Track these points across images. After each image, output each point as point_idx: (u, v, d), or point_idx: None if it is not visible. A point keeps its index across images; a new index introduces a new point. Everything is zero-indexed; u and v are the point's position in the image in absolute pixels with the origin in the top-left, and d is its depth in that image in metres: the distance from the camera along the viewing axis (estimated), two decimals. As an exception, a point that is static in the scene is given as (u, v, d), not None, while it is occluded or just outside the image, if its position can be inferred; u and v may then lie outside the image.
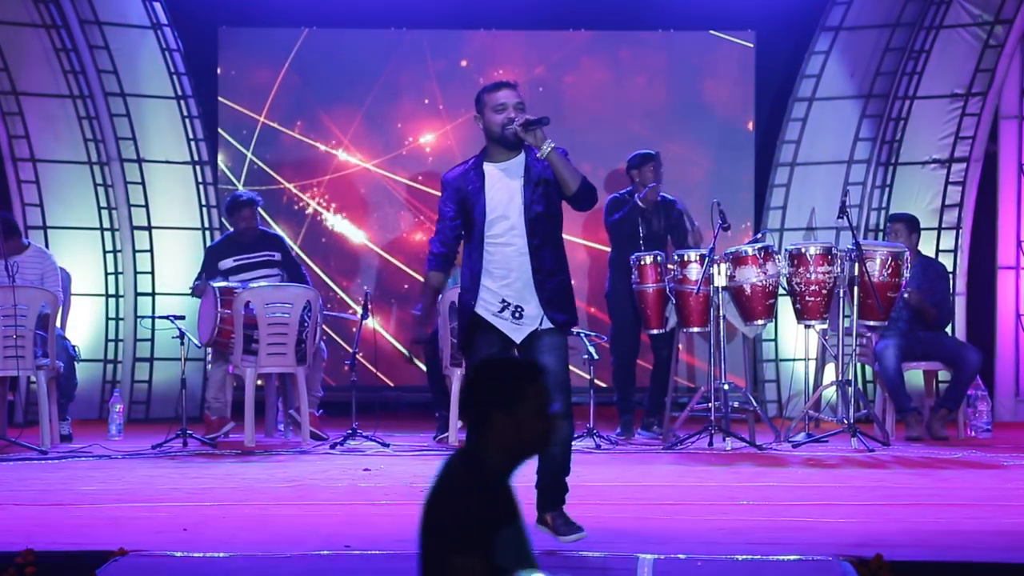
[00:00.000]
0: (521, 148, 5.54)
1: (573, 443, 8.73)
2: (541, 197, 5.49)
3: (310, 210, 11.64)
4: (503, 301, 5.47)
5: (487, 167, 5.56)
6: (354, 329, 9.66)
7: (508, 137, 5.49)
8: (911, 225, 9.80)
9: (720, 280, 8.89)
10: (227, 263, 9.68)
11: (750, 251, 8.96)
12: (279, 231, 10.70)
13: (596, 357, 9.24)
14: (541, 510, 5.51)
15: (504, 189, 5.51)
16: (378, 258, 11.67)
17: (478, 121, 5.60)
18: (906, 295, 9.42)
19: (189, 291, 9.66)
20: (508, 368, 3.59)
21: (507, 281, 5.48)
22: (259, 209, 9.88)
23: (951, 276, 10.49)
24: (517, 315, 5.48)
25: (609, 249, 9.91)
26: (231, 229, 9.93)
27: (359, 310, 9.55)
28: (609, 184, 11.11)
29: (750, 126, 11.65)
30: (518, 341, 5.50)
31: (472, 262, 5.54)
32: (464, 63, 11.74)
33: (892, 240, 9.65)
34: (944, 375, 10.12)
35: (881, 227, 11.25)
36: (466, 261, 5.59)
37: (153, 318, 10.21)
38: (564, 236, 5.69)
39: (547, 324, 5.49)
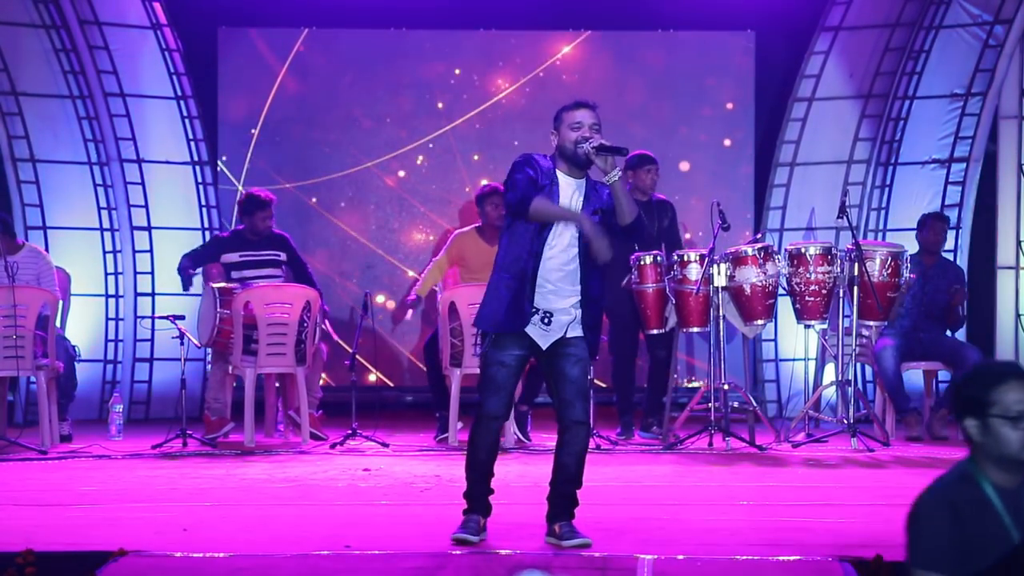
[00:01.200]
0: (586, 172, 5.55)
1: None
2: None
3: (309, 210, 11.64)
4: (534, 307, 5.48)
5: (559, 174, 5.56)
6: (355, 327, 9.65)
7: (580, 156, 5.49)
8: (948, 225, 9.92)
9: (720, 280, 8.89)
10: (232, 257, 9.68)
11: (750, 251, 8.96)
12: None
13: (595, 357, 9.23)
14: (550, 520, 5.51)
15: (567, 203, 5.52)
16: (378, 259, 11.67)
17: (553, 137, 5.59)
18: (953, 290, 9.56)
19: (177, 271, 9.63)
20: (976, 372, 3.47)
21: (542, 291, 5.48)
22: None
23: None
24: (546, 321, 5.49)
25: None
26: (241, 226, 9.91)
27: (358, 309, 9.55)
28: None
29: (749, 126, 11.67)
30: (544, 347, 5.51)
31: (523, 258, 5.47)
32: (464, 63, 11.74)
33: (933, 239, 9.76)
34: (944, 375, 10.13)
35: (881, 227, 11.26)
36: (516, 253, 5.50)
37: (153, 318, 10.21)
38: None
39: (573, 332, 5.50)
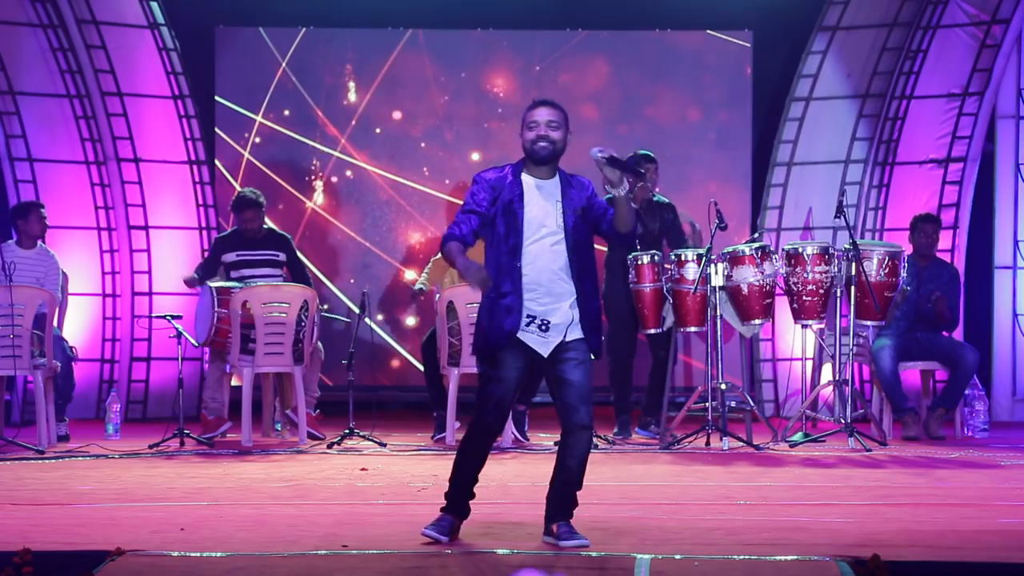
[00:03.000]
0: (556, 171, 5.54)
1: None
2: (582, 225, 5.50)
3: (307, 210, 11.64)
4: (529, 315, 5.46)
5: (525, 178, 5.54)
6: (348, 326, 9.65)
7: (535, 153, 5.48)
8: (940, 227, 9.95)
9: (717, 280, 8.90)
10: (230, 256, 9.69)
11: (747, 251, 8.96)
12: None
13: (594, 357, 9.22)
14: (549, 520, 5.51)
15: (540, 206, 5.49)
16: (375, 258, 11.67)
17: (520, 137, 5.60)
18: (934, 298, 9.50)
19: (185, 280, 9.74)
20: None
21: (534, 295, 5.46)
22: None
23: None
24: (544, 328, 5.46)
25: (605, 249, 9.91)
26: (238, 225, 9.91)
27: (356, 309, 9.55)
28: (600, 183, 11.09)
29: (747, 125, 11.67)
30: (545, 355, 5.48)
31: (506, 272, 5.45)
32: (462, 62, 11.74)
33: (925, 240, 9.71)
34: (941, 375, 10.13)
35: (878, 227, 11.26)
36: (497, 269, 5.46)
37: (150, 317, 10.21)
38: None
39: (572, 335, 5.49)
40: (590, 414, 5.49)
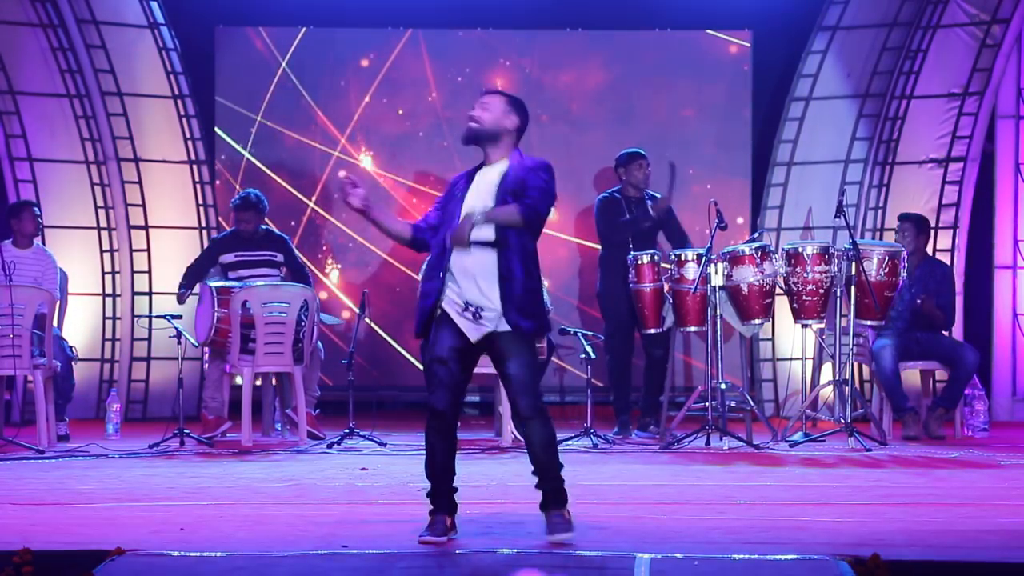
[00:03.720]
0: (505, 155, 5.63)
1: (569, 442, 8.87)
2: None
3: (306, 209, 11.64)
4: (466, 302, 5.51)
5: (480, 172, 5.68)
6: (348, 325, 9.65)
7: (465, 132, 5.66)
8: (920, 226, 9.84)
9: (717, 279, 8.90)
10: (228, 257, 9.70)
11: (747, 250, 8.97)
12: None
13: (593, 356, 9.24)
14: (542, 508, 5.54)
15: (479, 196, 5.59)
16: (375, 258, 11.66)
17: None
18: (919, 301, 9.49)
19: (176, 294, 9.78)
20: None
21: (469, 283, 5.51)
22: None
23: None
24: (477, 316, 5.51)
25: (600, 247, 9.91)
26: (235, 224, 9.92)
27: (356, 310, 9.55)
28: (599, 182, 11.09)
29: (747, 125, 11.66)
30: (473, 341, 5.52)
31: (437, 256, 5.60)
32: (461, 62, 11.74)
33: (901, 239, 9.67)
34: (941, 374, 10.13)
35: (878, 227, 11.26)
36: (432, 257, 5.65)
37: (150, 317, 10.21)
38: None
39: (505, 327, 5.50)
40: (531, 404, 5.49)
